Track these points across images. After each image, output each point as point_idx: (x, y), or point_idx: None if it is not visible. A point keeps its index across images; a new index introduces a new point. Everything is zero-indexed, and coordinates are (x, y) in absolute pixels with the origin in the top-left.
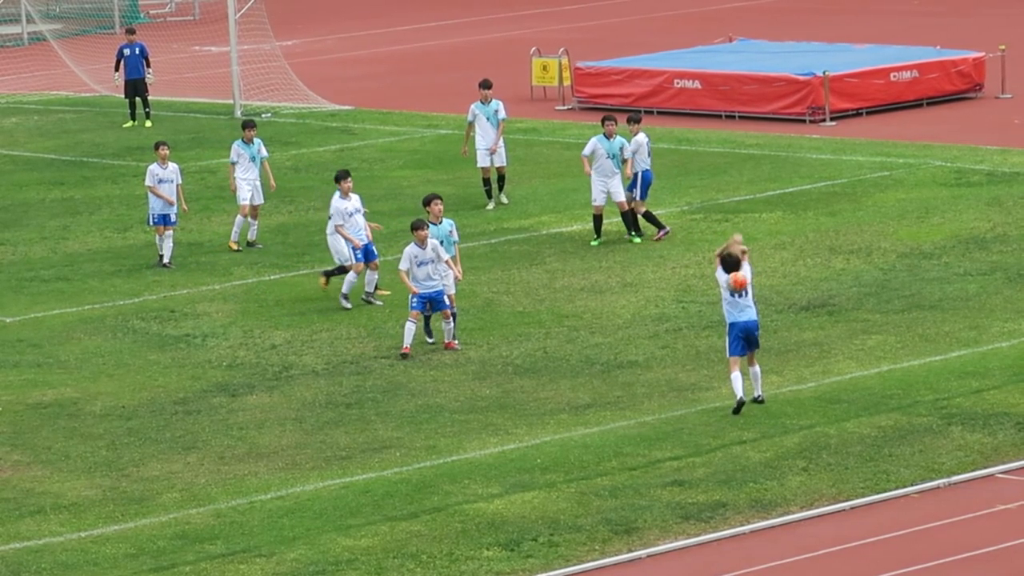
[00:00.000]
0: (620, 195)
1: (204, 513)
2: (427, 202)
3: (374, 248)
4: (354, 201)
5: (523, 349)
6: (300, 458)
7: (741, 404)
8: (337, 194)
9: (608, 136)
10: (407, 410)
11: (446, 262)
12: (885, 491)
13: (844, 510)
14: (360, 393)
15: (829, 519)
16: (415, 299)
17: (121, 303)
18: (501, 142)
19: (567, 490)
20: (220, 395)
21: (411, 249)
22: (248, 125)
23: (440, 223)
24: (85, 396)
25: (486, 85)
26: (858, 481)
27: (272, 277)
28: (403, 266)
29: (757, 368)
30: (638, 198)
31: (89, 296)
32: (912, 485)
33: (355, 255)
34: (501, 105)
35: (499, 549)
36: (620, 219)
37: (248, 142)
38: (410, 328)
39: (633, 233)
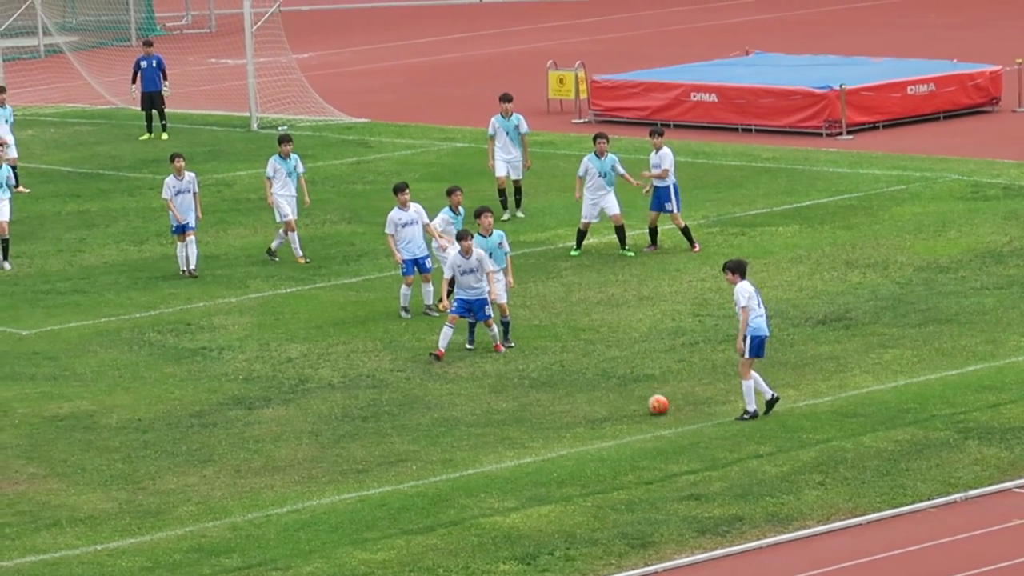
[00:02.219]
0: (615, 208)
1: (220, 526)
2: (477, 215)
3: (427, 261)
4: (411, 213)
5: (539, 362)
6: (316, 471)
7: (754, 417)
8: (396, 206)
9: (599, 155)
10: (423, 423)
11: (497, 272)
12: (902, 505)
13: (861, 524)
14: (376, 406)
15: (846, 533)
16: (455, 303)
17: (137, 316)
18: (520, 155)
19: (583, 504)
20: (236, 408)
21: (455, 258)
22: (284, 140)
23: (490, 235)
24: (101, 409)
25: (507, 99)
26: (875, 495)
27: (288, 290)
28: (447, 275)
29: (757, 375)
30: (676, 211)
31: (105, 309)
32: (929, 499)
33: (402, 267)
34: (522, 119)
35: (515, 563)
36: (647, 232)
37: (285, 157)
38: (446, 332)
39: (625, 248)
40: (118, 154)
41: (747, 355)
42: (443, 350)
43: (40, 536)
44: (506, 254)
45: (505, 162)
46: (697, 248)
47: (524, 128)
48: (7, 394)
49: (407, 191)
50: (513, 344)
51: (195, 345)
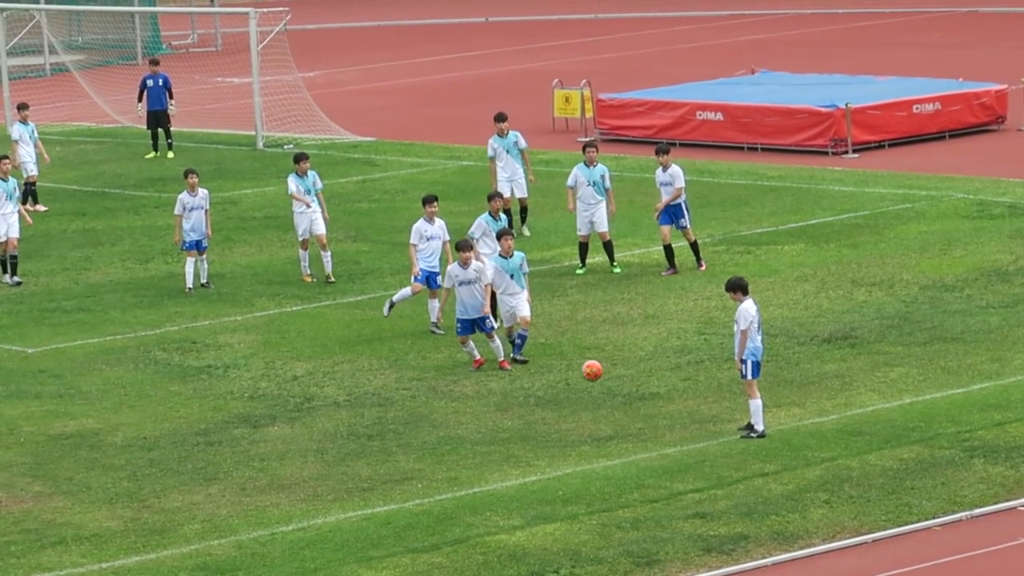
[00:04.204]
0: (603, 225)
1: (225, 544)
2: (499, 236)
3: (438, 278)
4: (435, 228)
5: (545, 381)
6: (321, 489)
7: (761, 436)
8: (423, 217)
9: (588, 164)
10: (429, 442)
11: (520, 292)
12: (907, 524)
13: (866, 543)
14: (382, 424)
15: (851, 552)
16: (459, 325)
17: (143, 334)
18: (522, 172)
19: (589, 522)
20: (242, 426)
21: (453, 268)
22: (301, 158)
23: (511, 257)
24: (106, 427)
25: (501, 118)
26: (880, 513)
27: (294, 308)
28: (447, 284)
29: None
30: (688, 226)
31: (111, 327)
32: (934, 518)
33: (415, 278)
34: (519, 135)
35: None
36: (662, 251)
37: (302, 175)
38: (467, 350)
39: (613, 265)
40: (124, 172)
41: (748, 377)
42: (480, 358)
43: (46, 554)
44: (525, 275)
45: (508, 181)
46: (703, 267)
47: (523, 144)
48: (13, 412)
49: (436, 203)
50: (526, 360)
51: (200, 363)
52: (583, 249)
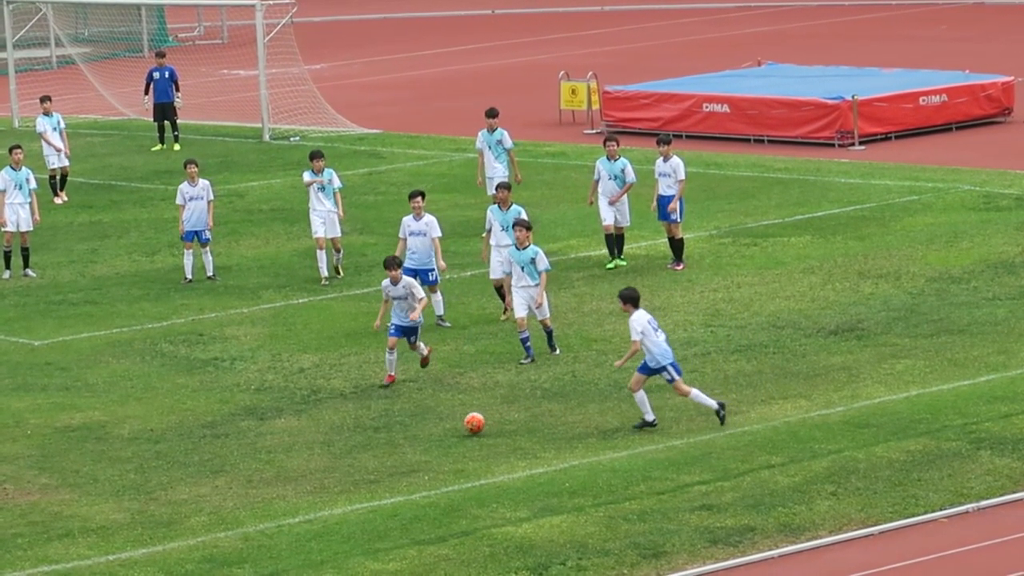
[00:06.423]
0: (626, 219)
1: (232, 537)
2: (512, 227)
3: (431, 274)
4: (421, 224)
5: (551, 373)
6: (328, 482)
7: (652, 425)
8: (411, 214)
9: (610, 157)
10: (435, 434)
11: (533, 286)
12: (914, 515)
13: (872, 535)
14: (388, 417)
15: (857, 544)
16: (391, 328)
17: (149, 326)
18: (505, 171)
19: (595, 514)
20: (248, 419)
21: (386, 284)
22: (316, 155)
23: (525, 248)
24: (113, 419)
25: (492, 114)
26: (887, 505)
27: (300, 301)
28: (384, 296)
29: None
30: (679, 220)
31: (117, 319)
32: (941, 509)
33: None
34: (505, 134)
35: (527, 573)
36: (667, 243)
37: (318, 173)
38: (389, 359)
39: (619, 257)
40: (130, 165)
41: (677, 378)
42: (392, 374)
43: (52, 546)
44: (539, 271)
45: (488, 179)
46: (681, 267)
47: (508, 143)
48: (19, 405)
49: (418, 199)
50: (559, 351)
51: (207, 356)
52: (609, 240)
